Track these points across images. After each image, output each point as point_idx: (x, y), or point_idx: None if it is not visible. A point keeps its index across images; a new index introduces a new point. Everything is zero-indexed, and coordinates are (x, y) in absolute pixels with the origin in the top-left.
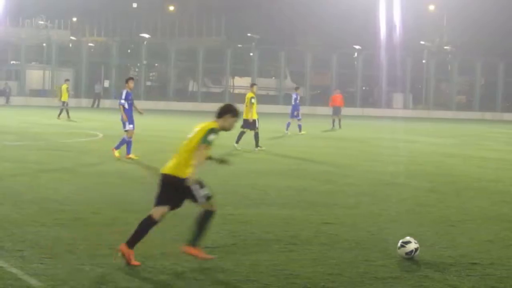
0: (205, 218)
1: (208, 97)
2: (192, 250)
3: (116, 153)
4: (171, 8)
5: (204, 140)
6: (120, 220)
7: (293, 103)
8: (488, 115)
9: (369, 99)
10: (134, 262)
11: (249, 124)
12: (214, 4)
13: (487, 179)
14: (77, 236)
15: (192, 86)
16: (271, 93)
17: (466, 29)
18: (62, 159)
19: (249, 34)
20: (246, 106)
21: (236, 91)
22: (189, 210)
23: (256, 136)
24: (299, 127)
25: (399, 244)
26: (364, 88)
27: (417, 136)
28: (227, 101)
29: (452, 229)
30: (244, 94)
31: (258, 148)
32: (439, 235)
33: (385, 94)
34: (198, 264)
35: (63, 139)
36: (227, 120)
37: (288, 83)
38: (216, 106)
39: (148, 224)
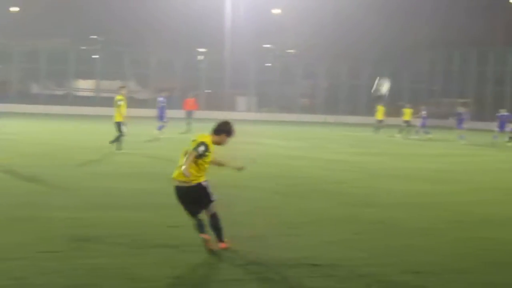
0: (217, 219)
1: (52, 99)
2: (223, 245)
3: None
4: (15, 9)
5: (194, 149)
6: None
7: (158, 105)
8: (331, 118)
9: (213, 102)
10: (224, 245)
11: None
12: (59, 5)
13: (331, 181)
14: None
15: (35, 88)
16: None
17: (310, 33)
18: None
19: (93, 36)
20: (116, 108)
21: (80, 93)
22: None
23: (118, 137)
24: (160, 128)
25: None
26: (208, 91)
27: (262, 139)
28: (70, 104)
29: (295, 231)
30: (87, 97)
31: (110, 144)
32: (282, 236)
33: (229, 97)
34: (40, 268)
35: None
36: (220, 136)
37: (133, 85)
38: (59, 109)
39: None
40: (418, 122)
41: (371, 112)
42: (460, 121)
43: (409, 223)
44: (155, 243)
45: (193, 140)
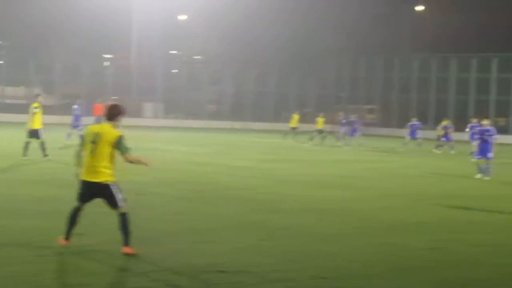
0: (126, 220)
1: None
2: (129, 250)
3: None
4: None
5: (126, 150)
6: None
7: (73, 113)
8: (237, 124)
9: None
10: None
11: (34, 134)
12: None
13: (237, 187)
14: None
15: None
16: (21, 102)
17: (217, 39)
18: None
19: None
20: (31, 115)
21: None
22: None
23: (42, 145)
24: (81, 136)
25: None
26: (114, 97)
27: (168, 145)
28: None
29: (201, 237)
30: None
31: (46, 157)
32: (189, 243)
33: (136, 103)
34: None
35: None
36: (117, 120)
37: (38, 92)
38: None
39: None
40: (337, 128)
41: (278, 118)
42: (353, 129)
43: (316, 229)
44: (61, 251)
45: (105, 139)
